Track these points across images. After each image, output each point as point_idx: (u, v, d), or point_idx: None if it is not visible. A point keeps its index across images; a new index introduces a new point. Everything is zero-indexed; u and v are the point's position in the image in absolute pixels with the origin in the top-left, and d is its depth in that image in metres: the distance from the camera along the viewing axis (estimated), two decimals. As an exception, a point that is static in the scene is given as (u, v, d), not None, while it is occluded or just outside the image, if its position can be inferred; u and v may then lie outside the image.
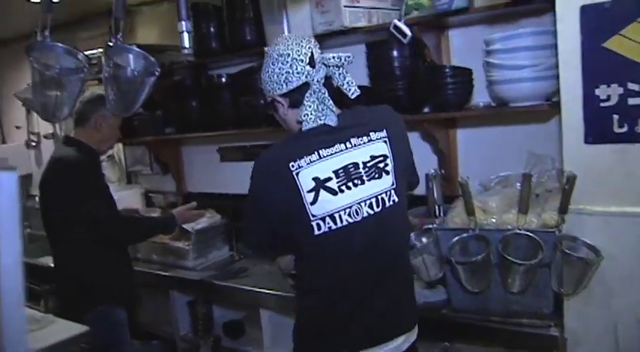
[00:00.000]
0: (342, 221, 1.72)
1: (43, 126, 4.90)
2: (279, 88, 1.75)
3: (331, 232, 1.72)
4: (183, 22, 1.70)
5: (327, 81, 1.78)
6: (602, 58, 1.80)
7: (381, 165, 1.78)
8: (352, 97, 1.79)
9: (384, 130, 1.81)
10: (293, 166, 1.70)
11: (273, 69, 1.74)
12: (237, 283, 2.97)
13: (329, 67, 1.77)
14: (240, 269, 3.17)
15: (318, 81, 1.73)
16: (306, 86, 1.73)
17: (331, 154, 1.73)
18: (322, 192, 1.70)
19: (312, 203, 1.70)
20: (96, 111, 2.64)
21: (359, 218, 1.73)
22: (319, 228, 1.71)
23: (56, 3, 2.13)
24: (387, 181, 1.78)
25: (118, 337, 2.71)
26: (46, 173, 2.67)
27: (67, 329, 2.16)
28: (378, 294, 1.81)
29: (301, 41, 1.75)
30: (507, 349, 2.14)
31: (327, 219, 1.71)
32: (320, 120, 1.73)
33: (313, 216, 1.70)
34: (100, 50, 3.56)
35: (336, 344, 1.82)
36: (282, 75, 1.73)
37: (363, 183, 1.74)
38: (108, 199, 2.71)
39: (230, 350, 3.22)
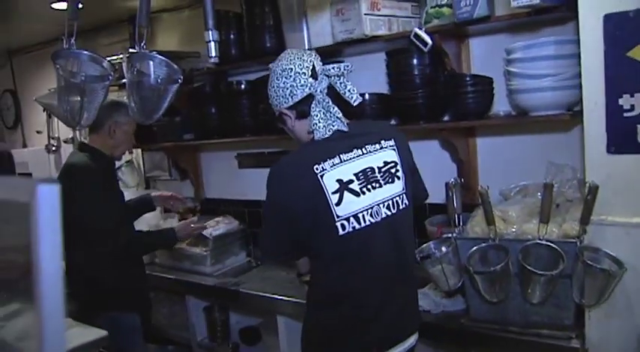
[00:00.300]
0: (365, 221, 1.80)
1: (63, 131, 4.95)
2: (285, 102, 1.85)
3: (355, 232, 1.79)
4: (211, 32, 1.72)
5: (330, 90, 1.87)
6: (625, 68, 1.79)
7: (393, 170, 1.89)
8: (354, 104, 1.89)
9: (392, 140, 1.93)
10: (317, 169, 1.77)
11: (278, 84, 1.84)
12: (254, 289, 2.98)
13: (330, 77, 1.86)
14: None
15: (321, 91, 1.83)
16: (310, 97, 1.83)
17: (350, 159, 1.82)
18: (346, 194, 1.78)
19: (337, 204, 1.77)
20: (110, 117, 2.65)
21: (379, 218, 1.82)
22: (344, 228, 1.77)
23: (79, 9, 2.16)
24: (398, 186, 1.89)
25: (131, 342, 2.70)
26: (59, 178, 2.68)
27: (85, 333, 2.17)
28: (397, 296, 1.90)
29: (302, 55, 1.85)
30: (527, 360, 2.13)
31: (352, 219, 1.78)
32: (331, 127, 1.83)
33: (338, 216, 1.76)
34: (121, 56, 3.60)
35: (357, 348, 1.87)
36: (287, 89, 1.82)
37: (380, 186, 1.84)
38: (116, 208, 2.70)
39: (246, 356, 3.23)
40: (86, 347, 2.09)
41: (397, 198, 1.88)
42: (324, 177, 1.77)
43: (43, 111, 4.93)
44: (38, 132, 5.33)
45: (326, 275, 1.89)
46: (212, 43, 1.75)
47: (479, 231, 2.16)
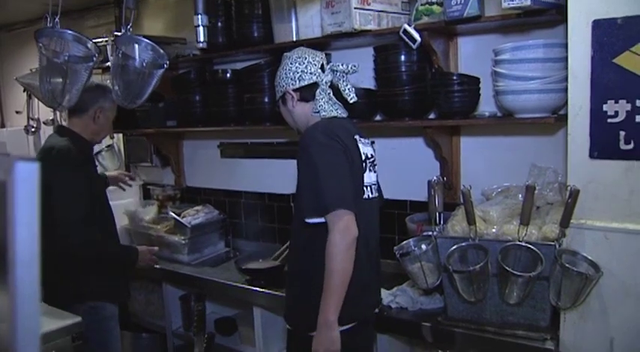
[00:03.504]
0: (372, 193, 2.09)
1: (43, 112, 4.86)
2: (292, 83, 2.08)
3: (369, 200, 2.07)
4: (200, 16, 1.69)
5: (332, 86, 2.13)
6: (611, 74, 1.80)
7: (375, 163, 2.16)
8: (350, 102, 2.15)
9: (368, 139, 2.19)
10: (356, 138, 2.06)
11: (290, 67, 2.09)
12: (231, 280, 2.96)
13: (336, 72, 2.12)
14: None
15: (325, 83, 2.10)
16: (315, 85, 2.09)
17: (361, 140, 2.09)
18: (366, 165, 2.06)
19: (364, 171, 2.05)
20: (96, 102, 2.58)
21: (372, 196, 2.10)
22: (364, 194, 2.05)
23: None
24: (376, 176, 2.17)
25: (108, 332, 2.66)
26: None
27: (58, 318, 2.14)
28: (378, 265, 2.20)
29: (316, 52, 2.14)
30: (501, 360, 2.14)
31: (368, 188, 2.07)
32: (335, 110, 2.10)
33: (364, 181, 2.05)
34: (106, 39, 3.54)
35: (358, 308, 2.03)
36: (297, 73, 2.07)
37: (373, 171, 2.13)
38: (91, 198, 2.57)
39: (222, 347, 3.21)
40: (57, 332, 2.05)
41: (377, 187, 2.17)
42: (359, 147, 2.04)
43: (24, 91, 4.84)
44: (17, 112, 5.24)
45: None
46: (201, 28, 1.73)
47: (459, 230, 2.17)
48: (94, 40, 2.35)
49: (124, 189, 3.41)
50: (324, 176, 1.89)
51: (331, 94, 2.11)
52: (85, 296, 2.56)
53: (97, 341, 2.53)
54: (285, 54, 2.16)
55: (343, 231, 1.84)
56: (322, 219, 1.89)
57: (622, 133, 1.80)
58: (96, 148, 3.06)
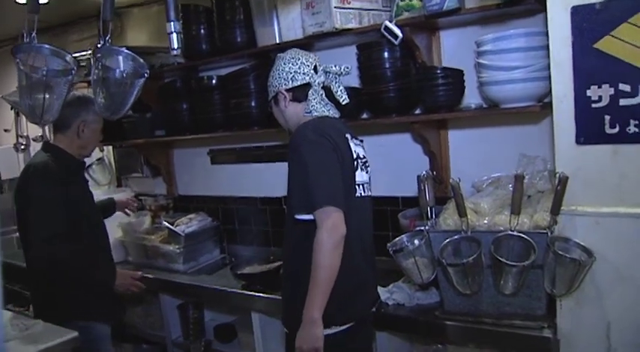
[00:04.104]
0: (364, 191, 2.10)
1: (32, 130, 4.86)
2: (285, 84, 2.10)
3: (360, 199, 2.08)
4: (172, 23, 1.69)
5: (324, 87, 2.16)
6: (593, 59, 1.80)
7: (367, 163, 2.16)
8: (343, 103, 2.18)
9: (360, 139, 2.21)
10: (347, 137, 2.07)
11: (284, 68, 2.11)
12: (228, 286, 2.95)
13: (329, 74, 2.16)
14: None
15: (318, 84, 2.12)
16: (308, 86, 2.11)
17: (352, 140, 2.10)
18: (358, 165, 2.07)
19: (355, 170, 2.05)
20: (78, 116, 2.55)
21: (365, 195, 2.11)
22: (357, 192, 2.05)
23: (45, 4, 2.10)
24: (368, 176, 2.16)
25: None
26: (19, 179, 2.57)
27: (55, 334, 2.13)
28: (374, 262, 2.20)
29: (309, 54, 2.17)
30: (500, 351, 2.14)
31: (360, 187, 2.08)
32: (326, 111, 2.12)
33: (356, 180, 2.05)
34: (89, 52, 3.53)
35: (355, 307, 2.05)
36: (290, 73, 2.10)
37: (365, 171, 2.13)
38: (76, 214, 2.51)
39: (222, 354, 3.20)
40: (54, 348, 2.04)
41: (369, 186, 2.16)
42: (349, 143, 2.05)
43: (11, 109, 4.83)
44: (6, 130, 5.23)
45: None
46: (174, 35, 1.72)
47: (451, 223, 2.16)
48: (78, 54, 2.34)
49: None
50: (314, 173, 1.89)
51: (323, 95, 2.14)
52: (72, 315, 2.48)
53: None
54: (278, 54, 2.19)
55: (331, 228, 1.84)
56: (311, 216, 1.88)
57: (607, 117, 1.80)
58: (87, 162, 3.01)
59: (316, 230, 1.87)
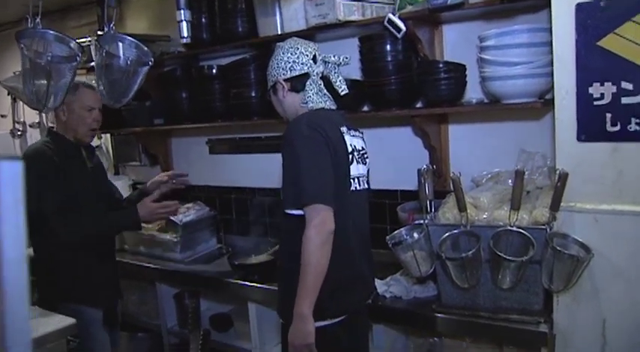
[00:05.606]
0: (360, 185, 2.07)
1: (29, 115, 4.83)
2: (283, 73, 2.07)
3: (356, 192, 2.05)
4: (182, 11, 1.68)
5: (324, 78, 2.12)
6: (596, 57, 1.81)
7: (365, 155, 2.14)
8: (342, 95, 2.15)
9: (359, 131, 2.18)
10: (342, 129, 2.03)
11: (282, 57, 2.07)
12: (224, 276, 2.96)
13: (328, 64, 2.12)
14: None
15: (316, 74, 2.08)
16: (306, 76, 2.07)
17: (349, 132, 2.07)
18: (353, 158, 2.04)
19: (351, 163, 2.02)
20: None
21: (361, 188, 2.08)
22: (351, 186, 2.02)
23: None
24: (366, 169, 2.14)
25: (88, 336, 2.54)
26: None
27: (53, 321, 2.13)
28: (370, 256, 2.18)
29: (308, 43, 2.11)
30: (496, 345, 2.15)
31: (356, 180, 2.05)
32: (323, 102, 2.08)
33: (351, 173, 2.02)
34: (89, 39, 3.51)
35: (350, 300, 2.03)
36: (289, 63, 2.05)
37: (362, 163, 2.10)
38: (68, 196, 2.46)
39: (218, 343, 3.20)
40: (52, 335, 2.04)
41: (366, 179, 2.14)
42: (345, 138, 2.01)
43: (8, 94, 4.80)
44: (2, 116, 5.20)
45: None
46: (184, 23, 1.71)
47: (450, 217, 2.17)
48: (76, 40, 2.32)
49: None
50: (306, 169, 1.88)
51: (322, 86, 2.10)
52: (64, 298, 2.47)
53: (78, 348, 2.43)
54: (277, 43, 2.15)
55: (319, 225, 1.83)
56: (301, 212, 1.89)
57: (608, 115, 1.81)
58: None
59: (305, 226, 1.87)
